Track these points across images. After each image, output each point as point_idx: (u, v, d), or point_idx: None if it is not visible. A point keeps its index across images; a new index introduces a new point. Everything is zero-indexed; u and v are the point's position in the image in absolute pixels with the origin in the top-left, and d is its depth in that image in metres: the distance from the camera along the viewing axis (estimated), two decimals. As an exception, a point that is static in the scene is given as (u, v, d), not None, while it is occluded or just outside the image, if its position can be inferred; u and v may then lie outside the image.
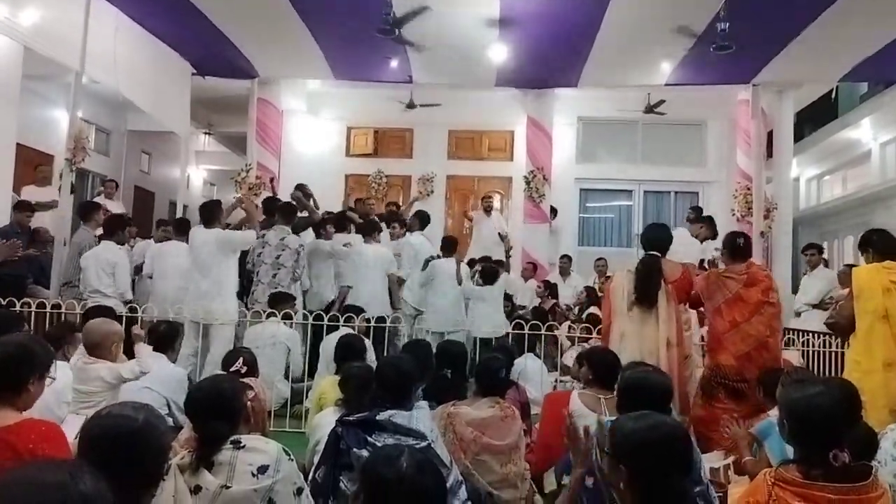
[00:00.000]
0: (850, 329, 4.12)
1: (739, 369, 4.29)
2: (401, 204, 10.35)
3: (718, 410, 4.25)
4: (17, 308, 5.51)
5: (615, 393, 3.09)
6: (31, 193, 7.85)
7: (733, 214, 10.12)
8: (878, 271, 4.01)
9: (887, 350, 3.83)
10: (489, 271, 7.20)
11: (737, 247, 4.59)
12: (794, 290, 8.83)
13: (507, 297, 7.74)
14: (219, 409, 2.48)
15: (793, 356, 6.01)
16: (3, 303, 5.53)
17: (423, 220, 8.14)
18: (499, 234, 9.02)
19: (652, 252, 4.59)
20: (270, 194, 8.83)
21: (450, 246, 7.43)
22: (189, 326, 5.98)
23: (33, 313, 5.58)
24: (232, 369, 3.87)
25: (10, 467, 1.88)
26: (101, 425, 1.82)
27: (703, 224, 8.81)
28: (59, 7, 6.92)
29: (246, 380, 3.49)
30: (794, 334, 6.92)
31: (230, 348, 5.73)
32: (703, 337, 5.66)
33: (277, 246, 6.75)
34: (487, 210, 10.08)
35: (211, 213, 6.23)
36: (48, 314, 5.64)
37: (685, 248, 5.47)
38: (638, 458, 2.00)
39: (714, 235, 8.43)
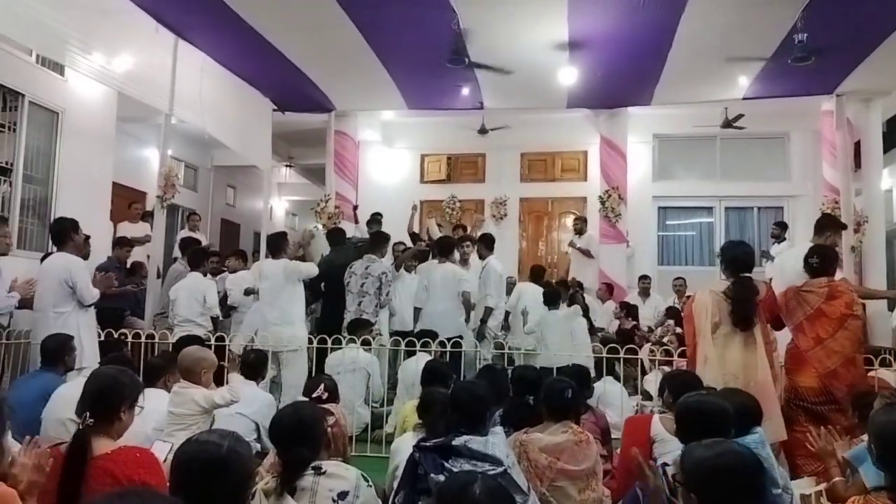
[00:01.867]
0: None
1: (822, 389, 4.13)
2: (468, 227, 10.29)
3: (798, 434, 4.10)
4: (115, 338, 5.82)
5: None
6: (125, 230, 8.33)
7: (821, 229, 9.73)
8: None
9: None
10: (551, 294, 7.11)
11: (809, 266, 4.53)
12: (891, 308, 8.38)
13: (588, 319, 7.66)
14: (300, 436, 2.56)
15: (889, 376, 5.71)
16: (103, 334, 5.84)
17: (489, 242, 7.86)
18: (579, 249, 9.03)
19: (746, 275, 4.36)
20: (352, 222, 9.08)
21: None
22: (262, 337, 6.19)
23: (130, 343, 5.87)
24: (313, 395, 3.97)
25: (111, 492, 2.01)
26: (188, 451, 1.92)
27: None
28: (149, 53, 7.35)
29: (327, 406, 3.58)
30: (890, 354, 6.57)
31: (304, 374, 5.94)
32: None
33: (362, 275, 6.91)
34: (579, 232, 9.97)
35: (277, 244, 6.46)
36: (143, 344, 5.92)
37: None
38: (707, 487, 1.98)
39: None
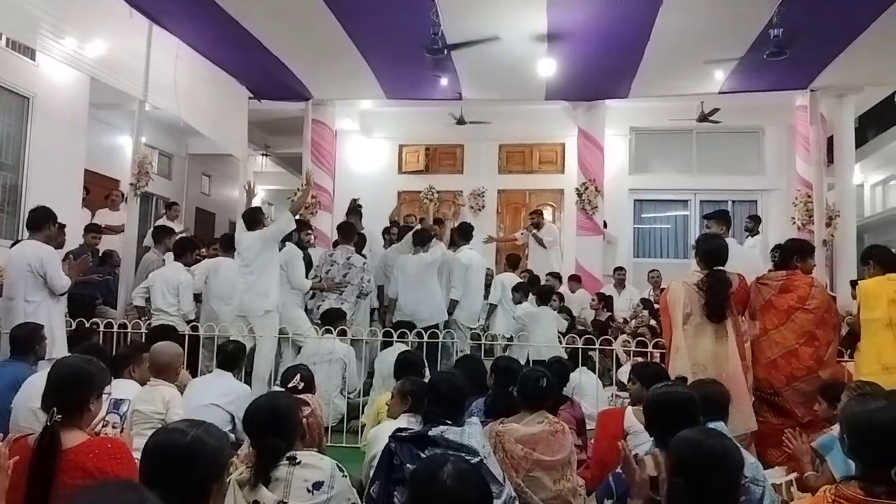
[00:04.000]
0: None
1: (764, 379, 4.20)
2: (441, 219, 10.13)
3: (761, 425, 4.17)
4: (87, 327, 5.73)
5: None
6: (103, 217, 8.21)
7: (794, 223, 9.88)
8: (882, 284, 4.25)
9: (887, 355, 4.04)
10: (545, 291, 7.14)
11: (784, 253, 4.71)
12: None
13: (567, 311, 7.70)
14: (275, 426, 2.54)
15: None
16: (74, 323, 5.76)
17: (465, 232, 7.85)
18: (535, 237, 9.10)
19: (719, 268, 4.39)
20: (327, 214, 9.01)
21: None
22: (236, 329, 6.15)
23: (102, 333, 5.78)
24: (289, 385, 3.95)
25: (82, 486, 1.98)
26: (154, 441, 1.89)
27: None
28: (122, 38, 7.23)
29: (302, 396, 3.55)
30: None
31: (274, 344, 5.99)
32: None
33: (344, 265, 6.89)
34: (536, 226, 9.86)
35: (253, 217, 6.39)
36: (115, 334, 5.85)
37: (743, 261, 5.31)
38: (695, 474, 2.01)
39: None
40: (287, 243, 6.73)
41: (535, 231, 9.71)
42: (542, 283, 8.11)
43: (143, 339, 5.25)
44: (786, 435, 3.65)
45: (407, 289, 7.04)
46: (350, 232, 7.33)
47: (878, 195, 13.90)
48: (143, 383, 3.99)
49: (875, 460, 2.08)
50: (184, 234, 8.13)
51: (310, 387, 4.01)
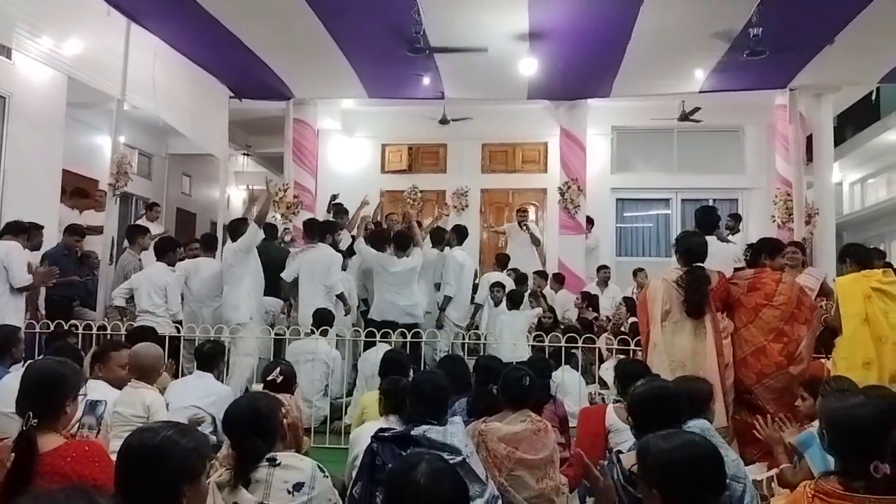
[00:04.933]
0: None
1: (740, 378, 4.24)
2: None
3: (737, 423, 4.21)
4: (65, 328, 5.67)
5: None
6: (89, 218, 8.10)
7: (774, 221, 9.96)
8: (857, 280, 4.35)
9: (866, 350, 4.11)
10: (514, 297, 7.22)
11: (754, 251, 4.81)
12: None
13: (551, 310, 7.75)
14: (255, 427, 2.52)
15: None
16: (52, 324, 5.69)
17: (461, 234, 7.99)
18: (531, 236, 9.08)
19: (698, 265, 4.43)
20: (309, 214, 8.98)
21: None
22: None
23: (81, 335, 5.72)
24: (268, 378, 3.91)
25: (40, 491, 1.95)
26: (127, 442, 1.87)
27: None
28: (100, 37, 7.14)
29: (279, 396, 3.52)
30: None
31: (249, 360, 5.93)
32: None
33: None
34: (522, 224, 9.88)
35: (236, 229, 6.44)
36: (94, 336, 5.78)
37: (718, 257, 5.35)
38: (669, 481, 1.94)
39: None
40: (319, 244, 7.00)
41: (528, 224, 9.74)
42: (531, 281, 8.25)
43: (124, 341, 5.19)
44: (758, 422, 3.66)
45: (385, 291, 7.06)
46: (314, 229, 7.33)
47: (857, 193, 14.09)
48: (110, 383, 3.91)
49: (854, 455, 2.10)
50: (165, 234, 8.03)
51: (289, 384, 3.97)
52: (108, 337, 5.75)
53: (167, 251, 6.81)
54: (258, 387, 3.96)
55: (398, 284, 7.01)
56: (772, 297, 4.33)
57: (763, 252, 4.80)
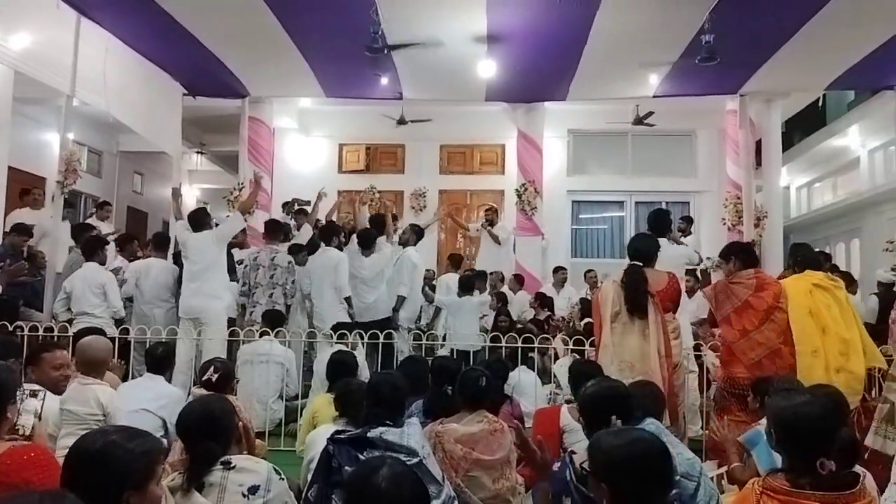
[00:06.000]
0: None
1: (749, 379, 4.26)
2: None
3: (732, 423, 4.08)
4: (10, 330, 5.50)
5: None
6: (22, 217, 7.83)
7: (724, 223, 10.19)
8: (798, 279, 4.55)
9: (812, 340, 4.26)
10: (466, 282, 7.25)
11: (751, 253, 4.76)
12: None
13: (507, 313, 7.78)
14: (209, 429, 2.48)
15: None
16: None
17: (418, 234, 7.95)
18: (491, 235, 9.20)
19: (634, 262, 4.54)
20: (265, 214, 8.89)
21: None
22: (185, 328, 6.02)
23: (27, 337, 5.55)
24: (203, 379, 3.81)
25: (3, 496, 1.89)
26: (74, 445, 1.83)
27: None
28: (49, 31, 6.94)
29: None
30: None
31: (224, 348, 5.89)
32: (699, 345, 5.68)
33: (270, 266, 6.80)
34: (491, 223, 9.90)
35: (200, 219, 6.33)
36: (40, 338, 5.61)
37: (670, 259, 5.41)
38: (618, 476, 1.99)
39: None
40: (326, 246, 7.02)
41: (489, 228, 9.78)
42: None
43: (71, 343, 5.06)
44: (711, 425, 3.72)
45: (361, 290, 7.05)
46: (277, 230, 7.26)
47: (804, 197, 14.49)
48: (44, 385, 3.76)
49: (800, 453, 2.16)
50: (97, 234, 7.73)
51: (226, 383, 3.87)
52: (56, 339, 5.59)
53: (96, 250, 6.56)
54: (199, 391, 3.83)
55: (368, 287, 7.07)
56: (779, 298, 4.35)
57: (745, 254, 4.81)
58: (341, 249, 7.24)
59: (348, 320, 6.66)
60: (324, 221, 8.52)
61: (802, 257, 4.75)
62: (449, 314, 7.21)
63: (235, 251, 7.32)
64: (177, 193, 7.21)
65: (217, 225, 6.64)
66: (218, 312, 6.09)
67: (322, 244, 7.15)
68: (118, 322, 6.25)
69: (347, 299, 6.86)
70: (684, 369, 4.69)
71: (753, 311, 4.36)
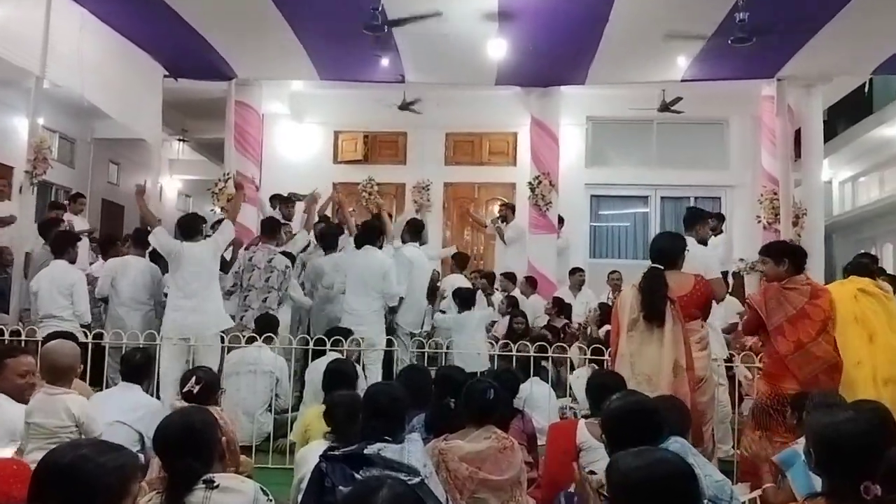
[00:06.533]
0: None
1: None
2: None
3: (777, 445, 4.02)
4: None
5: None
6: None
7: (759, 221, 10.14)
8: (843, 283, 4.67)
9: (856, 350, 4.30)
10: (465, 296, 7.22)
11: (804, 256, 4.62)
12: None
13: (522, 314, 7.77)
14: (189, 445, 2.48)
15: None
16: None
17: (415, 229, 7.80)
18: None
19: (655, 265, 4.46)
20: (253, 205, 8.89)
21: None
22: (177, 349, 5.99)
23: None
24: (184, 390, 3.81)
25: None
26: (42, 460, 1.84)
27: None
28: (16, 5, 6.98)
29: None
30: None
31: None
32: (732, 356, 5.65)
33: (266, 268, 6.79)
34: (503, 219, 9.96)
35: (194, 227, 6.26)
36: (6, 342, 5.63)
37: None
38: (638, 501, 1.97)
39: None
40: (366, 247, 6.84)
41: (500, 224, 9.77)
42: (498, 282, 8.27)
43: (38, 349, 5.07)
44: (743, 441, 3.68)
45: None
46: (274, 229, 7.23)
47: (847, 192, 14.42)
48: (8, 394, 3.75)
49: (842, 474, 2.14)
50: (67, 229, 7.71)
51: (209, 394, 3.86)
52: (23, 343, 5.61)
53: (66, 247, 6.50)
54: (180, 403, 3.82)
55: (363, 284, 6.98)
56: (832, 307, 4.30)
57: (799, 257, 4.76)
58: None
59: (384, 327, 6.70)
60: (317, 219, 8.50)
61: (851, 265, 4.85)
62: (452, 334, 7.08)
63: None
64: (142, 192, 6.53)
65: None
66: (216, 335, 5.97)
67: (365, 244, 6.95)
68: (86, 328, 6.19)
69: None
70: (713, 383, 4.63)
71: (810, 320, 4.27)
